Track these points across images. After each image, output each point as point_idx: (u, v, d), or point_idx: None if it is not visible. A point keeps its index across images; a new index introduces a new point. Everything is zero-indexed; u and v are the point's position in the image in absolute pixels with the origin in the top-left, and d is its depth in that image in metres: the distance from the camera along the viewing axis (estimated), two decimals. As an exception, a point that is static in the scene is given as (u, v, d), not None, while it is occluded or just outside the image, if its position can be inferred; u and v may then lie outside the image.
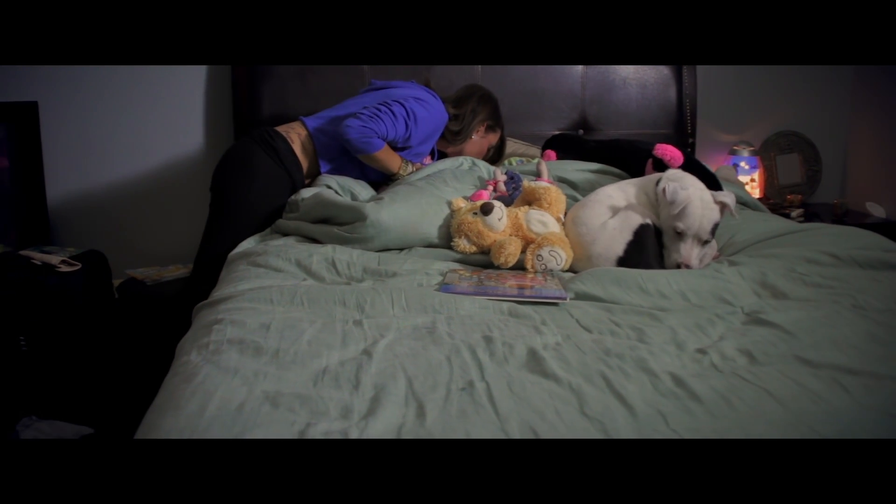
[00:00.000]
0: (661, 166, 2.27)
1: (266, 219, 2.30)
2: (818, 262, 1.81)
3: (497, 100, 2.70)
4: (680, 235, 1.91)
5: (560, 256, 1.91)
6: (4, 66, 2.87)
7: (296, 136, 2.46)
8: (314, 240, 2.07)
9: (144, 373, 2.15)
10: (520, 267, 1.94)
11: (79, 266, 2.56)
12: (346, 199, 2.25)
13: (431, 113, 2.47)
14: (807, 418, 1.07)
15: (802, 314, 1.48)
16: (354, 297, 1.60)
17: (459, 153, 2.66)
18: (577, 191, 2.36)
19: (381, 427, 1.05)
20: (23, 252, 2.62)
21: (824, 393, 1.14)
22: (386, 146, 2.39)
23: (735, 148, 3.45)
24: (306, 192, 2.26)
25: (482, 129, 2.67)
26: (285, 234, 2.14)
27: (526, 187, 2.16)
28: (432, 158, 2.70)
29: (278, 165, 2.38)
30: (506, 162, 2.83)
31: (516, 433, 1.04)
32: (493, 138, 2.74)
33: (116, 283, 2.84)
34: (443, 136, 2.62)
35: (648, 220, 1.96)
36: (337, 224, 2.07)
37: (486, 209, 1.99)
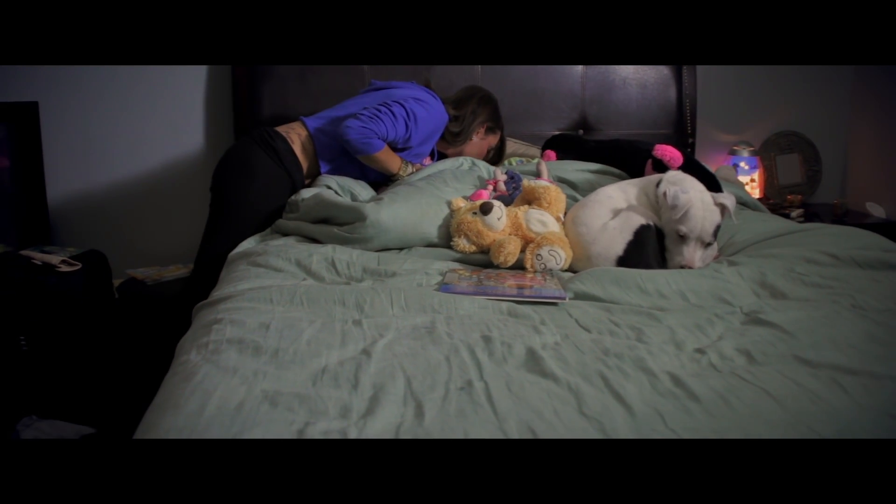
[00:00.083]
0: (660, 167, 2.27)
1: (266, 219, 2.30)
2: (817, 262, 1.81)
3: (497, 101, 2.70)
4: (683, 238, 1.91)
5: (559, 256, 1.91)
6: (5, 66, 2.88)
7: (296, 136, 2.46)
8: (314, 240, 2.07)
9: (144, 372, 2.16)
10: (519, 266, 1.94)
11: (79, 266, 2.57)
12: (346, 200, 2.25)
13: (431, 113, 2.47)
14: (805, 418, 1.07)
15: (801, 314, 1.49)
16: (354, 297, 1.60)
17: (459, 154, 2.66)
18: (577, 191, 2.36)
19: (380, 426, 1.05)
20: (23, 252, 2.62)
21: (823, 393, 1.14)
22: (386, 147, 2.39)
23: (735, 148, 3.45)
24: (306, 193, 2.27)
25: (482, 130, 2.67)
26: (285, 234, 2.15)
27: (526, 187, 2.16)
28: (432, 159, 2.70)
29: (278, 165, 2.38)
30: (506, 162, 2.83)
31: (514, 433, 1.04)
32: (493, 140, 2.74)
33: (117, 283, 2.84)
34: (443, 138, 2.62)
35: (649, 221, 1.96)
36: (337, 224, 2.07)
37: (485, 209, 1.99)
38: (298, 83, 3.03)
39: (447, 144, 2.65)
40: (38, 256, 2.56)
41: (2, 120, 2.87)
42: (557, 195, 2.12)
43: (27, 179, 2.93)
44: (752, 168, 3.44)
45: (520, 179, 2.22)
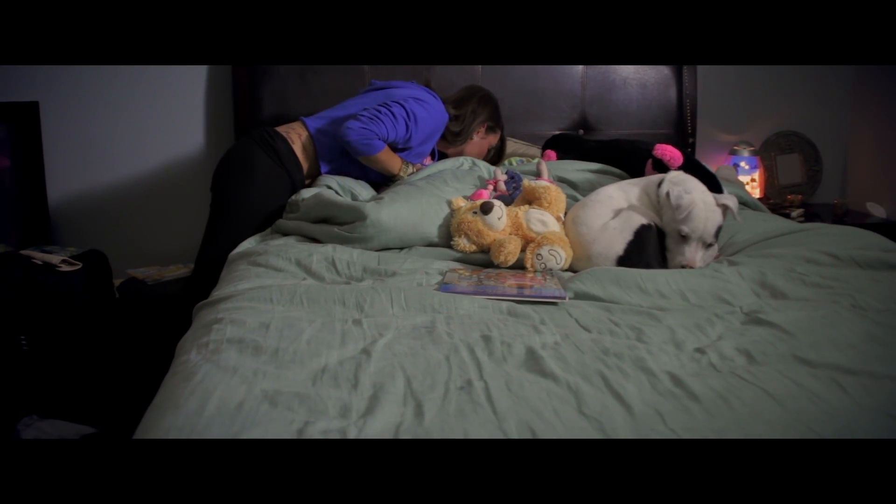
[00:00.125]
0: (660, 166, 2.27)
1: (266, 219, 2.30)
2: (818, 262, 1.81)
3: (497, 101, 2.71)
4: (684, 238, 1.91)
5: (560, 255, 1.91)
6: (5, 66, 2.88)
7: (296, 136, 2.46)
8: (314, 240, 2.07)
9: (145, 372, 2.16)
10: (519, 266, 1.94)
11: (79, 266, 2.57)
12: (347, 199, 2.25)
13: (431, 113, 2.48)
14: (805, 418, 1.07)
15: (801, 314, 1.48)
16: (354, 297, 1.60)
17: (460, 154, 2.67)
18: (578, 191, 2.36)
19: (380, 426, 1.05)
20: (24, 252, 2.63)
21: (823, 393, 1.14)
22: (386, 148, 2.39)
23: (735, 148, 3.45)
24: (306, 192, 2.27)
25: (482, 129, 2.67)
26: (285, 234, 2.15)
27: (526, 186, 2.16)
28: (433, 159, 2.70)
29: (278, 166, 2.38)
30: (506, 162, 2.83)
31: (514, 432, 1.04)
32: (494, 139, 2.74)
33: (117, 282, 2.84)
34: (443, 137, 2.62)
35: (649, 221, 1.96)
36: (337, 224, 2.07)
37: (485, 208, 1.99)
38: (299, 83, 3.03)
39: (448, 144, 2.65)
40: (39, 256, 2.56)
41: (2, 120, 2.88)
42: (558, 195, 2.12)
43: (28, 179, 2.93)
44: (753, 168, 3.44)
45: (520, 179, 2.22)
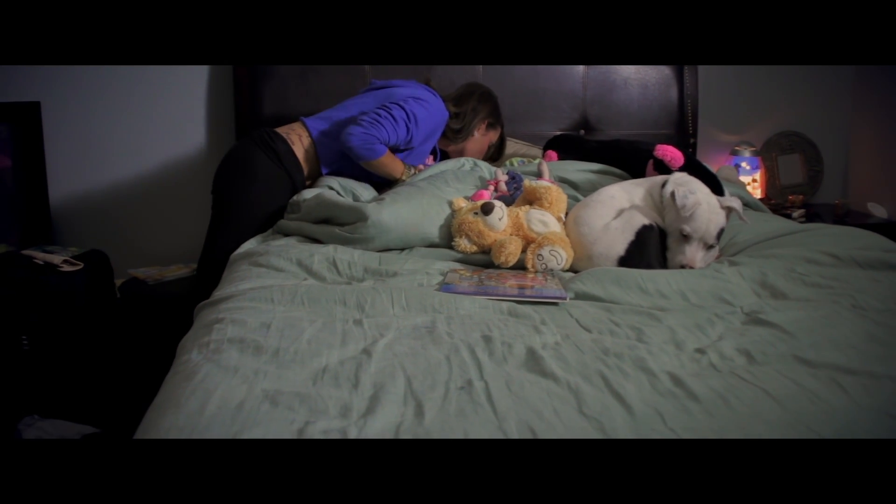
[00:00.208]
0: (661, 167, 2.27)
1: (267, 220, 2.30)
2: (818, 263, 1.81)
3: (497, 97, 2.71)
4: (686, 238, 1.91)
5: (560, 256, 1.91)
6: (7, 67, 2.88)
7: (296, 137, 2.46)
8: (316, 240, 2.07)
9: (146, 372, 2.16)
10: (520, 266, 1.94)
11: (81, 266, 2.57)
12: (348, 200, 2.25)
13: (431, 112, 2.48)
14: (805, 418, 1.07)
15: (802, 314, 1.49)
16: (355, 297, 1.60)
17: (461, 151, 2.67)
18: (579, 191, 2.36)
19: (380, 426, 1.06)
20: (25, 252, 2.63)
21: (822, 393, 1.14)
22: (388, 152, 2.39)
23: (736, 148, 3.45)
24: (308, 193, 2.27)
25: (483, 126, 2.68)
26: (287, 235, 2.15)
27: (527, 187, 2.16)
28: (434, 158, 2.70)
29: (278, 167, 2.38)
30: (507, 162, 2.83)
31: (514, 432, 1.04)
32: (494, 136, 2.75)
33: (118, 282, 2.85)
34: (444, 135, 2.62)
35: (651, 221, 1.96)
36: (338, 224, 2.08)
37: (486, 209, 1.99)
38: (300, 83, 3.03)
39: (448, 141, 2.66)
40: (40, 256, 2.56)
41: (4, 120, 2.88)
42: (559, 195, 2.12)
43: (29, 179, 2.94)
44: (754, 168, 3.44)
45: (521, 180, 2.22)
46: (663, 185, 2.01)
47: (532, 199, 2.12)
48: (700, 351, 1.35)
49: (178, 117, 3.16)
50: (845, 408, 1.10)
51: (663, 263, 1.94)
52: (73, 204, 3.12)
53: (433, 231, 2.07)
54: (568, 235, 2.01)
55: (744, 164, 3.42)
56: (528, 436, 1.03)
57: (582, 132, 3.22)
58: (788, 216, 3.07)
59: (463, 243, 2.01)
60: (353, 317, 1.51)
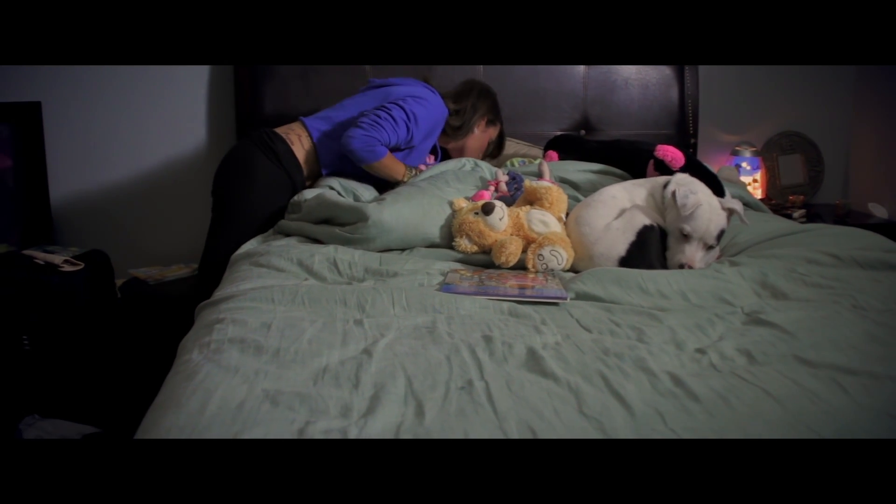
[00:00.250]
0: (662, 167, 2.27)
1: (267, 221, 2.30)
2: (819, 263, 1.82)
3: (496, 94, 2.71)
4: (686, 237, 1.91)
5: (561, 256, 1.92)
6: (8, 67, 2.88)
7: (295, 137, 2.46)
8: (316, 240, 2.08)
9: (146, 372, 2.16)
10: (521, 266, 1.94)
11: (81, 266, 2.57)
12: (348, 200, 2.25)
13: (431, 110, 2.48)
14: (805, 418, 1.07)
15: (802, 314, 1.49)
16: (355, 297, 1.60)
17: (461, 148, 2.67)
18: (579, 191, 2.36)
19: (380, 426, 1.06)
20: (26, 251, 2.63)
21: (823, 393, 1.14)
22: (389, 153, 2.39)
23: (737, 148, 3.45)
24: (309, 193, 2.27)
25: (483, 123, 2.68)
26: (288, 235, 2.15)
27: (527, 187, 2.16)
28: (435, 157, 2.70)
29: (278, 168, 2.38)
30: (508, 162, 2.83)
31: (514, 432, 1.04)
32: (494, 132, 2.75)
33: (119, 282, 2.85)
34: (444, 132, 2.62)
35: (652, 222, 1.96)
36: (339, 225, 2.08)
37: (487, 209, 1.99)
38: (300, 83, 3.04)
39: (448, 139, 2.66)
40: (41, 256, 2.57)
41: (5, 120, 2.88)
42: (559, 195, 2.12)
43: (30, 179, 2.94)
44: (755, 168, 3.44)
45: (521, 180, 2.22)
46: (665, 185, 2.01)
47: (533, 200, 2.12)
48: (700, 351, 1.35)
49: (179, 117, 3.17)
50: (846, 408, 1.10)
51: (664, 264, 1.94)
52: (73, 204, 3.13)
53: (434, 231, 2.08)
54: (569, 235, 2.01)
55: (744, 165, 3.42)
56: (529, 436, 1.03)
57: (582, 132, 3.22)
58: (789, 216, 3.07)
59: (463, 243, 2.01)
60: (353, 317, 1.52)
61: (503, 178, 2.26)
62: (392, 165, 2.41)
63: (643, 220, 1.96)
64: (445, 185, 2.25)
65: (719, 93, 3.44)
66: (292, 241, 2.08)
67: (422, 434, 1.04)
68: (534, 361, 1.28)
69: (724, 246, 2.09)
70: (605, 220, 1.98)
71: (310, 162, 2.47)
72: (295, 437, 1.02)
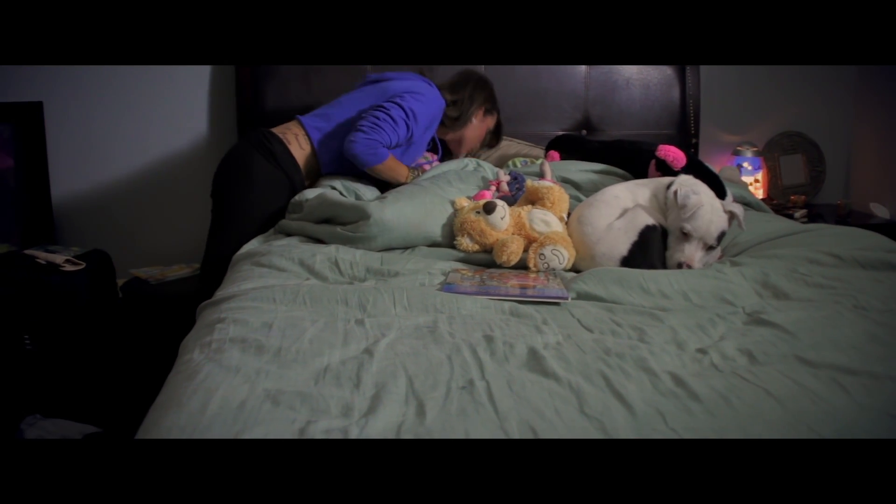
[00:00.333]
0: (664, 167, 2.27)
1: (267, 222, 2.30)
2: (820, 263, 1.82)
3: (492, 83, 2.72)
4: (686, 236, 1.91)
5: (562, 255, 1.92)
6: (9, 67, 2.89)
7: (292, 136, 2.46)
8: (318, 240, 2.08)
9: (148, 371, 2.16)
10: (522, 266, 1.94)
11: (83, 265, 2.57)
12: (350, 199, 2.26)
13: (428, 105, 2.48)
14: (805, 418, 1.07)
15: (803, 314, 1.49)
16: (356, 297, 1.60)
17: (460, 139, 2.68)
18: (581, 191, 2.36)
19: (381, 425, 1.06)
20: (27, 251, 2.63)
21: (823, 393, 1.14)
22: (391, 156, 2.39)
23: (738, 148, 3.45)
24: (310, 193, 2.27)
25: (481, 113, 2.68)
26: (289, 235, 2.15)
27: (529, 187, 2.16)
28: (436, 150, 2.71)
29: (275, 168, 2.38)
30: (509, 163, 2.84)
31: (515, 432, 1.04)
32: (491, 122, 2.76)
33: (120, 282, 2.85)
34: (442, 123, 2.62)
35: (654, 222, 1.96)
36: (340, 224, 2.08)
37: (488, 208, 1.99)
38: (301, 83, 3.03)
39: (447, 129, 2.66)
40: (42, 256, 2.57)
41: (6, 120, 2.88)
42: (561, 195, 2.12)
43: (31, 179, 2.94)
44: (756, 168, 3.44)
45: (523, 180, 2.22)
46: (669, 186, 2.01)
47: (534, 199, 2.12)
48: (702, 351, 1.35)
49: (181, 117, 3.17)
50: (846, 408, 1.10)
51: (665, 265, 1.94)
52: (75, 203, 3.13)
53: (435, 230, 2.08)
54: (571, 235, 2.01)
55: (746, 165, 3.41)
56: (530, 435, 1.03)
57: (584, 132, 3.22)
58: (790, 216, 3.07)
59: (465, 242, 2.01)
60: (354, 316, 1.52)
61: (504, 178, 2.26)
62: (395, 167, 2.41)
63: (645, 219, 1.95)
64: (447, 184, 2.25)
65: (721, 93, 3.44)
66: (294, 240, 2.08)
67: (423, 434, 1.04)
68: (535, 361, 1.28)
69: (725, 246, 2.09)
70: (608, 220, 1.98)
71: (308, 161, 2.47)
72: (296, 436, 1.02)
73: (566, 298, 1.65)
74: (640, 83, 3.22)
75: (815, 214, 3.26)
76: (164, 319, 2.57)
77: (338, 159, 2.46)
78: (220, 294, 1.70)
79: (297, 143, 2.45)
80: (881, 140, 3.42)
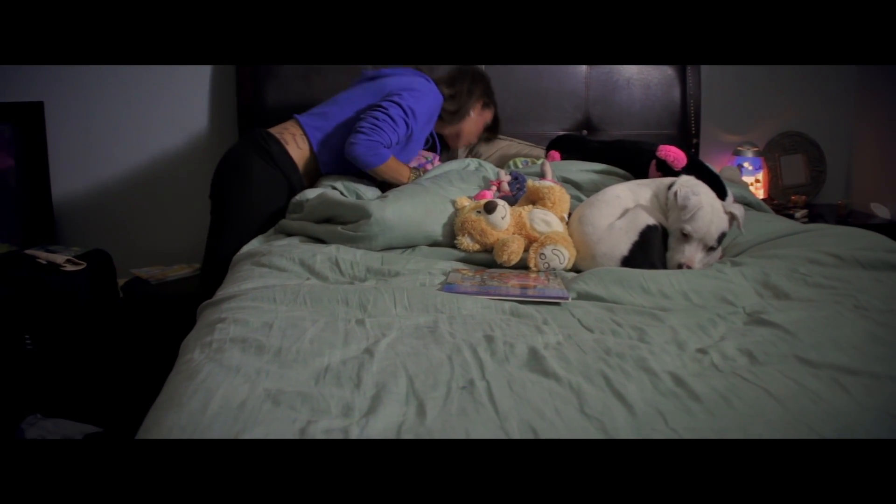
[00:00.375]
0: (664, 167, 2.27)
1: (266, 222, 2.31)
2: (821, 263, 1.81)
3: (489, 77, 2.72)
4: (686, 237, 1.91)
5: (563, 255, 1.92)
6: (10, 67, 2.89)
7: (290, 136, 2.45)
8: (318, 240, 2.08)
9: (148, 371, 2.16)
10: (523, 266, 1.94)
11: (83, 265, 2.58)
12: (351, 198, 2.26)
13: (426, 101, 2.48)
14: (806, 418, 1.07)
15: (804, 314, 1.48)
16: (357, 297, 1.60)
17: (458, 133, 2.68)
18: (582, 191, 2.36)
19: (382, 425, 1.06)
20: (28, 251, 2.63)
21: (824, 393, 1.14)
22: (393, 157, 2.39)
23: (739, 148, 3.45)
24: (311, 192, 2.27)
25: (479, 106, 2.69)
26: (290, 235, 2.15)
27: (530, 186, 2.16)
28: (435, 146, 2.71)
29: (273, 168, 2.38)
30: (510, 163, 2.84)
31: (516, 432, 1.04)
32: (489, 115, 2.77)
33: (121, 282, 2.85)
34: (440, 118, 2.62)
35: (655, 222, 1.96)
36: (341, 223, 2.08)
37: (489, 207, 1.99)
38: (302, 83, 3.04)
39: (445, 124, 2.66)
40: (43, 256, 2.57)
41: (7, 120, 2.89)
42: (562, 195, 2.12)
43: (32, 179, 2.94)
44: (757, 168, 3.44)
45: (524, 181, 2.22)
46: (670, 186, 2.01)
47: (535, 199, 2.12)
48: (702, 351, 1.35)
49: (181, 117, 3.17)
50: (847, 408, 1.10)
51: (666, 265, 1.94)
52: (75, 203, 3.13)
53: (436, 229, 2.08)
54: (572, 234, 2.01)
55: (746, 165, 3.41)
56: (530, 435, 1.04)
57: (584, 132, 3.22)
58: (791, 217, 3.07)
59: (465, 241, 2.01)
60: (355, 316, 1.52)
61: (505, 178, 2.26)
62: (397, 168, 2.41)
63: (646, 219, 1.95)
64: (448, 184, 2.25)
65: (721, 93, 3.43)
66: (294, 240, 2.08)
67: (423, 434, 1.04)
68: (535, 361, 1.28)
69: (726, 246, 2.09)
70: (609, 220, 1.98)
71: (307, 161, 2.46)
72: (296, 436, 1.02)
73: (567, 298, 1.65)
74: (641, 83, 3.22)
75: (816, 214, 3.25)
76: (165, 319, 2.57)
77: (337, 159, 2.46)
78: (220, 294, 1.71)
79: (295, 142, 2.45)
80: (882, 140, 3.42)
